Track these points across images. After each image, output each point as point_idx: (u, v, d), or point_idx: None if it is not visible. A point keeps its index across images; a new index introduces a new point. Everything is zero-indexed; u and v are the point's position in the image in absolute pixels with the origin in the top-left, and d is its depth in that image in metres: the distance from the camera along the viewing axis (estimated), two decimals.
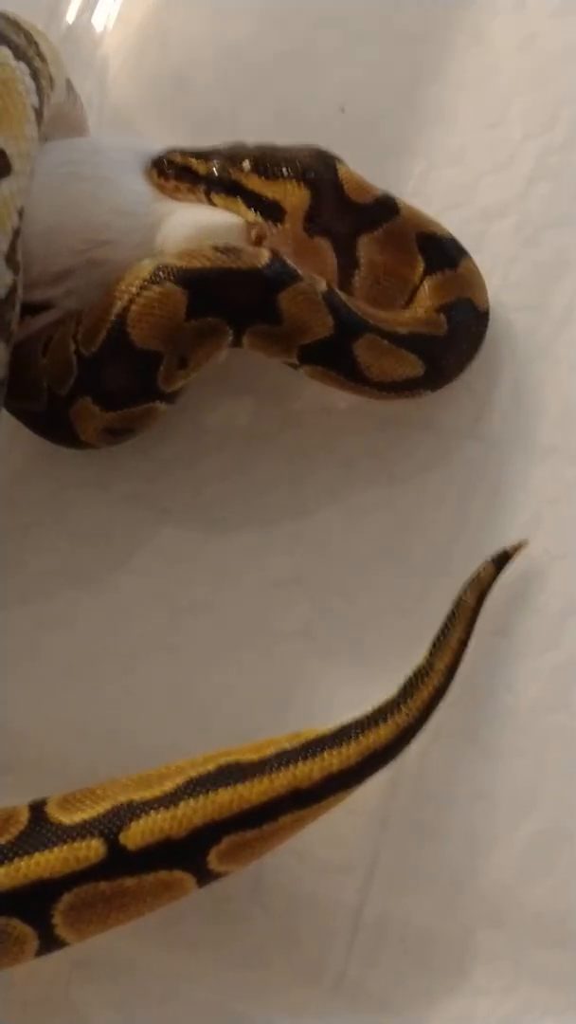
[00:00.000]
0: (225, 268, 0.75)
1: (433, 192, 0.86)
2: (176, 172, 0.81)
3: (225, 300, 0.76)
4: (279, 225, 0.80)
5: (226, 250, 0.76)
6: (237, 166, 0.80)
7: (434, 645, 0.75)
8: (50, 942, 0.68)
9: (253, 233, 0.80)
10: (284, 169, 0.80)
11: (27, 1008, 0.77)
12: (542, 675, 0.79)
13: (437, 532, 0.82)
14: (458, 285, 0.82)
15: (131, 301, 0.75)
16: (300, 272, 0.76)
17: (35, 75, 0.78)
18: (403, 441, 0.83)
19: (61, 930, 0.67)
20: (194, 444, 0.85)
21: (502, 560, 0.78)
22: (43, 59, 0.80)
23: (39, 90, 0.78)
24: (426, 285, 0.82)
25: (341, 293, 0.77)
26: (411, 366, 0.79)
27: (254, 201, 0.80)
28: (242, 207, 0.80)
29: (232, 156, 0.81)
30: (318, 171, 0.80)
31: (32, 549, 0.86)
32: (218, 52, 0.94)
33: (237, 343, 0.77)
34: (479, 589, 0.77)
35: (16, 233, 0.75)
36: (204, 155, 0.81)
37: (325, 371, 0.79)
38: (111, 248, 0.79)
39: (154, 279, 0.75)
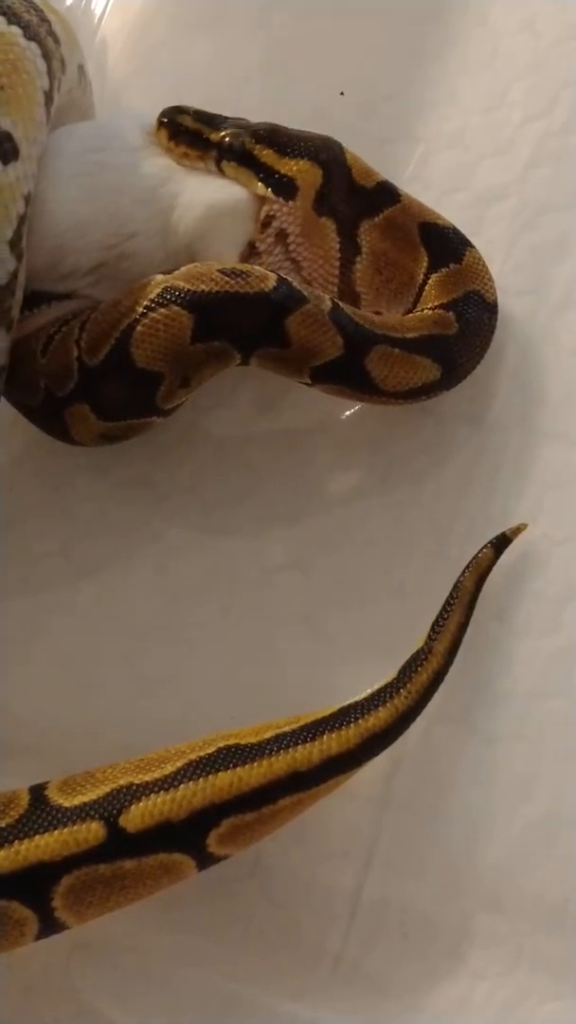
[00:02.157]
0: (232, 292, 0.74)
1: (432, 176, 0.86)
2: (188, 139, 0.80)
3: (232, 324, 0.75)
4: (290, 202, 0.79)
5: (233, 273, 0.74)
6: (250, 137, 0.80)
7: (433, 629, 0.75)
8: (50, 925, 0.68)
9: (263, 211, 0.80)
10: (298, 146, 0.80)
11: (27, 992, 0.77)
12: (541, 660, 0.79)
13: (437, 517, 0.82)
14: (465, 279, 0.81)
15: (136, 321, 0.74)
16: (306, 292, 0.75)
17: (47, 56, 0.76)
18: (402, 426, 0.83)
19: (61, 913, 0.67)
20: (193, 429, 0.85)
21: (501, 544, 0.78)
22: (56, 40, 0.78)
23: (50, 72, 0.76)
24: (432, 282, 0.81)
25: (346, 306, 0.77)
26: (426, 371, 0.78)
27: (267, 174, 0.79)
28: (253, 179, 0.80)
29: (244, 127, 0.80)
30: (329, 152, 0.80)
31: (32, 533, 0.86)
32: (217, 36, 0.94)
33: (245, 363, 0.77)
34: (478, 573, 0.77)
35: (22, 220, 0.74)
36: (212, 121, 0.81)
37: (340, 388, 0.78)
38: (137, 240, 0.78)
39: (160, 300, 0.74)
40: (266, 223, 0.80)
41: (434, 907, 0.77)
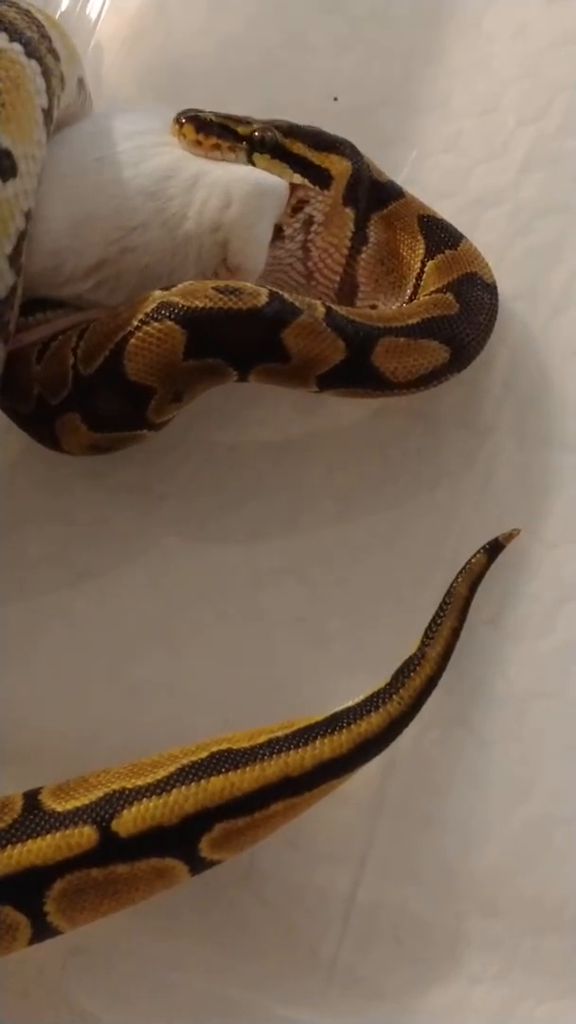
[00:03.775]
0: (225, 309, 0.73)
1: (427, 180, 0.86)
2: (218, 131, 0.80)
3: (226, 341, 0.74)
4: (325, 191, 0.80)
5: (226, 290, 0.74)
6: (279, 131, 0.80)
7: (426, 634, 0.75)
8: (43, 930, 0.68)
9: (295, 197, 0.80)
10: (326, 141, 0.81)
11: (23, 996, 0.77)
12: (535, 662, 0.79)
13: (430, 520, 0.82)
14: (461, 262, 0.81)
15: (130, 334, 0.74)
16: (298, 303, 0.75)
17: (46, 74, 0.76)
18: (396, 429, 0.84)
19: (53, 917, 0.68)
20: (189, 434, 0.85)
21: (494, 549, 0.78)
22: (56, 56, 0.78)
23: (49, 90, 0.76)
24: (428, 268, 0.81)
25: (338, 308, 0.76)
26: (435, 354, 0.77)
27: (302, 165, 0.80)
28: (287, 170, 0.80)
29: (270, 122, 0.81)
30: (350, 148, 0.82)
31: (29, 538, 0.86)
32: (212, 41, 0.94)
33: (243, 380, 0.76)
34: (471, 578, 0.77)
35: (21, 236, 0.74)
36: (236, 118, 0.81)
37: (350, 390, 0.78)
38: (140, 232, 0.78)
39: (155, 315, 0.73)
40: (297, 208, 0.80)
41: (429, 910, 0.77)
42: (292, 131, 0.81)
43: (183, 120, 0.80)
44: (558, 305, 0.84)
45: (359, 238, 0.82)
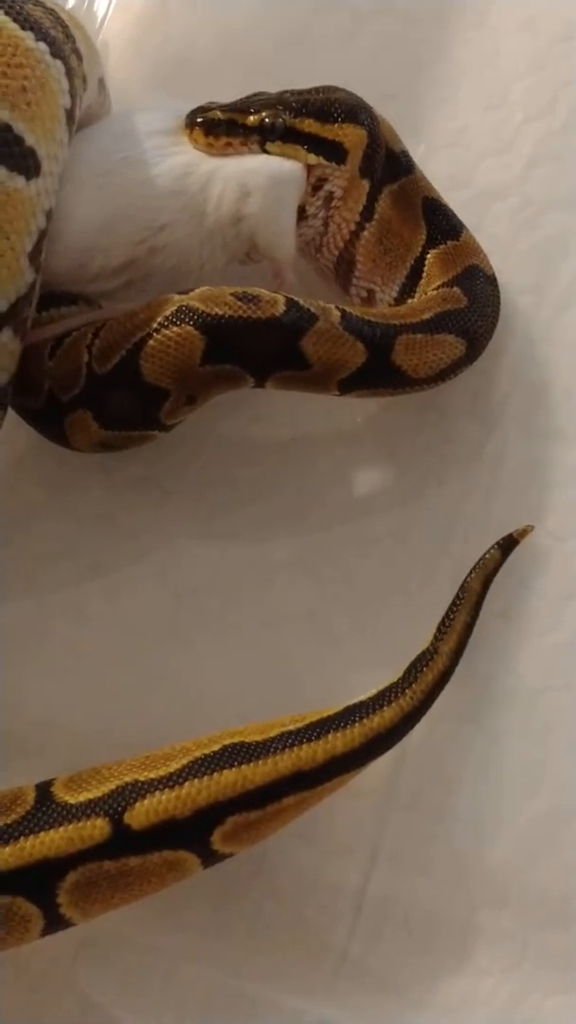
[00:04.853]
0: (244, 318, 0.73)
1: (433, 174, 0.86)
2: (226, 128, 0.79)
3: (245, 350, 0.74)
4: (342, 166, 0.80)
5: (245, 297, 0.74)
6: (287, 112, 0.79)
7: (439, 629, 0.75)
8: (55, 922, 0.68)
9: (313, 175, 0.80)
10: (338, 110, 0.80)
11: (32, 988, 0.77)
12: (544, 656, 0.79)
13: (439, 513, 0.82)
14: (464, 254, 0.81)
15: (149, 335, 0.74)
16: (314, 308, 0.74)
17: (70, 74, 0.76)
18: (404, 424, 0.84)
19: (66, 909, 0.68)
20: (198, 430, 0.85)
21: (508, 545, 0.78)
22: (79, 57, 0.78)
23: (72, 91, 0.76)
24: (431, 259, 0.81)
25: (351, 309, 0.76)
26: (452, 347, 0.78)
27: (315, 144, 0.79)
28: (301, 152, 0.79)
29: (277, 103, 0.80)
30: (365, 112, 0.81)
31: (36, 533, 0.86)
32: (219, 37, 0.94)
33: (260, 386, 0.76)
34: (485, 574, 0.77)
35: (42, 234, 0.74)
36: (242, 108, 0.80)
37: (372, 391, 0.78)
38: (168, 231, 0.78)
39: (175, 319, 0.73)
40: (318, 186, 0.80)
41: (439, 903, 0.77)
42: (302, 107, 0.80)
43: (192, 125, 0.80)
44: (565, 299, 0.85)
45: (367, 212, 0.82)
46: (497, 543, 0.78)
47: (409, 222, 0.82)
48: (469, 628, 0.76)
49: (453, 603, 0.76)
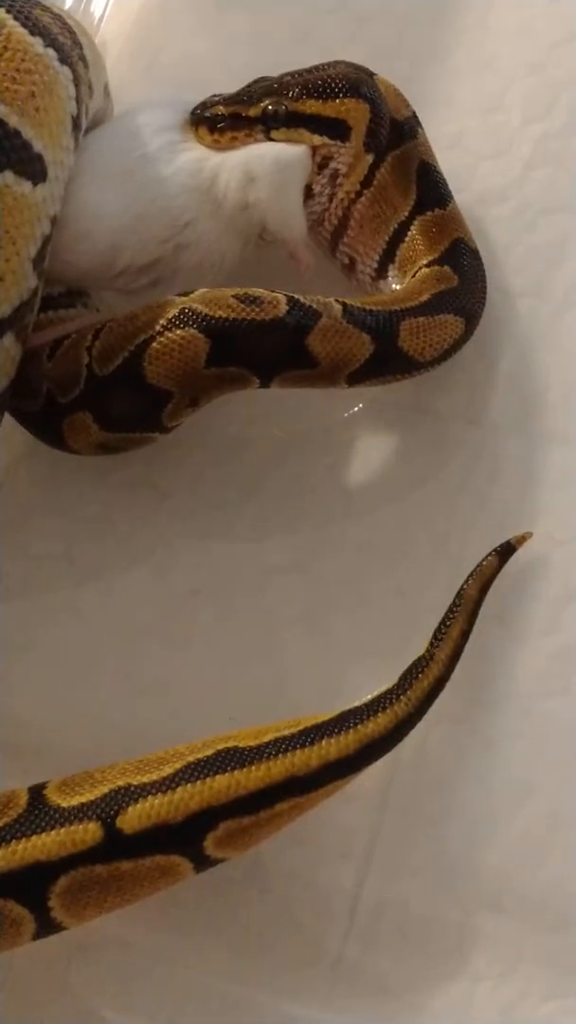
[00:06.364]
0: (247, 320, 0.73)
1: None
2: (230, 123, 0.79)
3: (250, 352, 0.74)
4: (347, 143, 0.80)
5: (246, 299, 0.73)
6: (288, 96, 0.79)
7: (435, 636, 0.75)
8: (47, 925, 0.68)
9: (319, 154, 0.79)
10: (338, 85, 0.79)
11: (27, 992, 0.77)
12: (541, 661, 0.79)
13: (435, 517, 0.82)
14: (449, 226, 0.82)
15: (152, 337, 0.73)
16: (315, 305, 0.74)
17: (77, 81, 0.76)
18: (401, 425, 0.84)
19: (58, 913, 0.68)
20: (194, 430, 0.84)
21: (506, 552, 0.78)
22: (86, 63, 0.78)
23: (78, 98, 0.76)
24: (416, 227, 0.81)
25: (350, 300, 0.76)
26: (453, 327, 0.78)
27: (318, 124, 0.79)
28: (306, 135, 0.79)
29: (277, 89, 0.80)
30: (367, 84, 0.80)
31: (33, 535, 0.86)
32: (216, 39, 0.94)
33: (264, 387, 0.76)
34: (482, 581, 0.77)
35: (46, 240, 0.74)
36: (243, 97, 0.80)
37: (381, 380, 0.78)
38: (192, 228, 0.78)
39: (178, 322, 0.73)
40: (323, 164, 0.80)
41: (434, 907, 0.77)
42: (303, 89, 0.79)
43: (197, 124, 0.80)
44: (563, 302, 0.85)
45: (366, 181, 0.82)
46: (494, 549, 0.78)
47: (402, 185, 0.82)
48: (465, 635, 0.75)
49: (450, 610, 0.76)
